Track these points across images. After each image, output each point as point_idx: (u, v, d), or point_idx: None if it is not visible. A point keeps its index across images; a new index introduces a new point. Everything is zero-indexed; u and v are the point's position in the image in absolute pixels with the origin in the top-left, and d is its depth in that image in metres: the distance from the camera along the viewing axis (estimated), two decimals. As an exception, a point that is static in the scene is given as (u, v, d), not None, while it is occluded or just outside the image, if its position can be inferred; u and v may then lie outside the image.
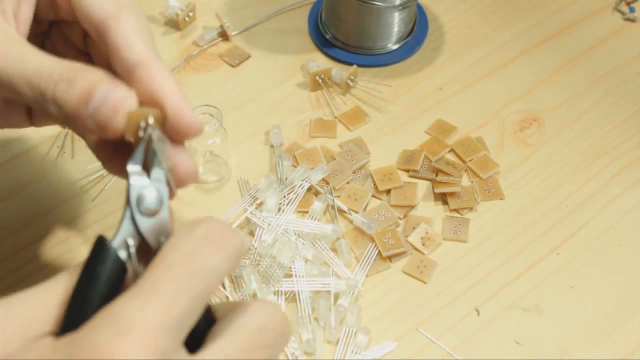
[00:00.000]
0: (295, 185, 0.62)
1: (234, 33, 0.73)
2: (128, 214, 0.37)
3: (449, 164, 0.64)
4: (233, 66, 0.71)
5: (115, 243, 0.37)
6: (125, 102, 0.40)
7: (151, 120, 0.39)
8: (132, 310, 0.34)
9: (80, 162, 0.64)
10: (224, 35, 0.73)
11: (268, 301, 0.42)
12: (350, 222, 0.61)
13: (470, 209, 0.62)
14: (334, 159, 0.64)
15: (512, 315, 0.57)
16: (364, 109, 0.68)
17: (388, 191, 0.63)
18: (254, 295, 0.57)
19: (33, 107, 0.47)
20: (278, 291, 0.57)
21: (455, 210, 0.62)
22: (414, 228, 0.61)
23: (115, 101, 0.39)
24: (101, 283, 0.36)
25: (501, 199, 0.63)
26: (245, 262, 0.58)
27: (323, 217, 0.61)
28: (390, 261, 0.60)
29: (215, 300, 0.57)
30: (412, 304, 0.58)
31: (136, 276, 0.37)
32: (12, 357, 0.34)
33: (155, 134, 0.39)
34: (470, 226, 0.61)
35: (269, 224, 0.60)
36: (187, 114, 0.41)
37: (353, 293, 0.57)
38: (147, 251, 0.38)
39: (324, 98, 0.69)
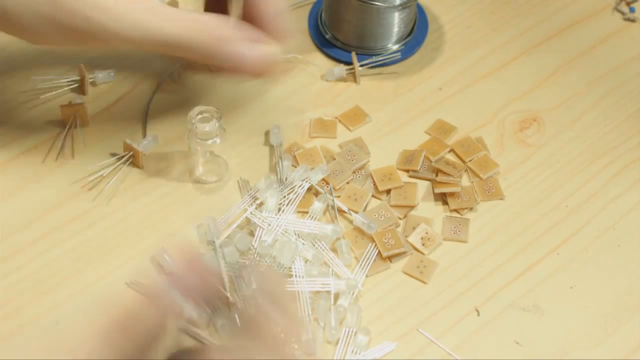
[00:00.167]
0: (295, 186, 0.62)
1: (234, 33, 0.73)
2: None
3: (449, 164, 0.64)
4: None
5: None
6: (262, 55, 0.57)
7: None
8: None
9: (80, 162, 0.64)
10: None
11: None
12: (350, 222, 0.61)
13: (470, 209, 0.62)
14: (334, 159, 0.64)
15: (512, 315, 0.57)
16: (364, 109, 0.68)
17: (388, 191, 0.63)
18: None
19: None
20: (278, 291, 0.57)
21: (455, 210, 0.62)
22: (414, 228, 0.61)
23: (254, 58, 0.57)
24: None
25: (501, 199, 0.63)
26: (245, 262, 0.58)
27: (323, 217, 0.61)
28: (390, 261, 0.60)
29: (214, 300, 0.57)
30: (412, 304, 0.58)
31: None
32: None
33: None
34: (470, 226, 0.61)
35: (269, 224, 0.60)
36: (283, 26, 0.59)
37: (353, 293, 0.57)
38: None
39: (324, 98, 0.69)
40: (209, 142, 0.61)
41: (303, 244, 0.59)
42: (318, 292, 0.57)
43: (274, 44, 0.57)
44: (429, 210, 0.62)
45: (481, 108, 0.69)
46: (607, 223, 0.62)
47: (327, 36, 0.73)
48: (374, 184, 0.63)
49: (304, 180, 0.62)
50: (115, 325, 0.41)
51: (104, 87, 0.68)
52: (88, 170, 0.63)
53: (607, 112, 0.69)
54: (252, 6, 0.58)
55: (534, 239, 0.61)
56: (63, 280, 0.58)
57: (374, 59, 0.70)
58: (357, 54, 0.70)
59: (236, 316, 0.55)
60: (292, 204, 0.61)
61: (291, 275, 0.58)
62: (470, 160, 0.64)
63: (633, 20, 0.75)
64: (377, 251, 0.59)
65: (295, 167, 0.64)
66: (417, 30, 0.73)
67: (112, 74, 0.69)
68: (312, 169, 0.63)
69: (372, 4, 0.68)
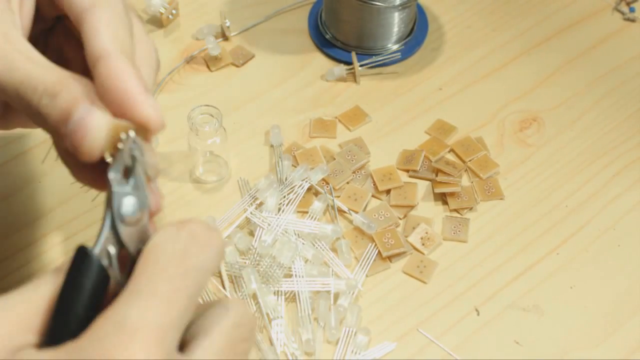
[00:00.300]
0: (295, 185, 0.62)
1: (233, 33, 0.73)
2: (108, 221, 0.37)
3: (449, 164, 0.64)
4: (237, 66, 0.71)
5: (97, 251, 0.36)
6: (98, 129, 0.39)
7: (132, 134, 0.39)
8: (135, 313, 0.34)
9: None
10: (223, 36, 0.73)
11: (237, 299, 0.42)
12: (350, 222, 0.61)
13: (470, 209, 0.62)
14: (334, 159, 0.64)
15: (512, 315, 0.57)
16: (364, 109, 0.68)
17: (388, 191, 0.63)
18: (254, 295, 0.57)
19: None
20: (278, 291, 0.57)
21: (455, 210, 0.62)
22: (413, 228, 0.61)
23: (87, 127, 0.39)
24: (85, 292, 0.35)
25: (501, 199, 0.63)
26: (245, 262, 0.58)
27: (323, 217, 0.61)
28: (390, 261, 0.60)
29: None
30: (412, 304, 0.58)
31: (118, 284, 0.37)
32: None
33: (136, 143, 0.39)
34: (470, 226, 0.61)
35: (269, 224, 0.60)
36: (143, 110, 0.40)
37: (353, 293, 0.57)
38: (125, 258, 0.38)
39: (324, 98, 0.69)
40: (209, 142, 0.61)
41: (303, 243, 0.59)
42: (318, 292, 0.57)
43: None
44: (429, 210, 0.62)
45: (481, 108, 0.69)
46: (607, 223, 0.62)
47: (327, 36, 0.73)
48: (374, 184, 0.63)
49: (304, 180, 0.62)
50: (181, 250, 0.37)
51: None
52: (88, 170, 0.63)
53: (607, 112, 0.69)
54: (108, 78, 0.40)
55: (534, 239, 0.61)
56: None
57: (374, 59, 0.70)
58: (357, 54, 0.70)
59: None
60: (292, 204, 0.61)
61: (291, 275, 0.58)
62: (470, 160, 0.64)
63: (633, 20, 0.75)
64: (377, 251, 0.59)
65: (295, 167, 0.64)
66: (417, 30, 0.73)
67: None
68: (312, 168, 0.63)
69: (372, 4, 0.68)
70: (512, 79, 0.71)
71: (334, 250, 0.60)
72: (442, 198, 0.63)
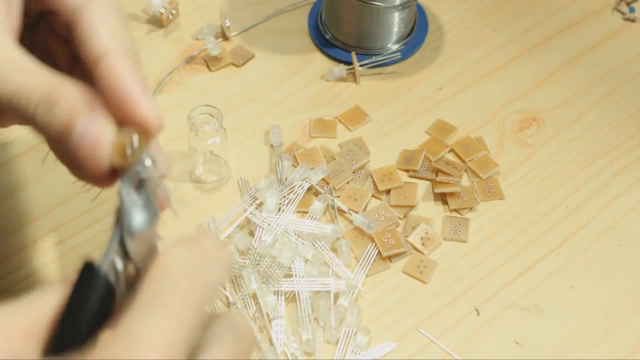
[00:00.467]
0: (295, 185, 0.62)
1: (233, 33, 0.73)
2: (117, 236, 0.36)
3: (449, 164, 0.64)
4: (237, 66, 0.71)
5: (104, 266, 0.36)
6: (104, 143, 0.39)
7: (136, 141, 0.38)
8: (144, 329, 0.34)
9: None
10: (223, 36, 0.73)
11: (237, 313, 0.42)
12: (350, 222, 0.61)
13: (470, 209, 0.62)
14: (334, 159, 0.64)
15: (512, 315, 0.57)
16: (364, 109, 0.68)
17: (388, 191, 0.63)
18: (254, 295, 0.57)
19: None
20: (278, 291, 0.57)
21: (455, 210, 0.62)
22: (413, 228, 0.61)
23: (92, 142, 0.39)
24: (90, 307, 0.35)
25: (501, 199, 0.63)
26: (245, 262, 0.58)
27: (323, 217, 0.61)
28: (390, 261, 0.60)
29: (215, 304, 0.57)
30: (412, 304, 0.58)
31: (123, 298, 0.36)
32: None
33: (145, 154, 0.38)
34: (470, 226, 0.61)
35: (269, 224, 0.60)
36: (144, 112, 0.39)
37: (353, 293, 0.57)
38: (130, 272, 0.37)
39: (324, 98, 0.69)
40: (209, 142, 0.61)
41: (303, 243, 0.59)
42: (318, 292, 0.57)
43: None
44: (429, 210, 0.62)
45: (481, 108, 0.69)
46: (607, 223, 0.62)
47: (327, 36, 0.73)
48: (374, 184, 0.63)
49: (304, 180, 0.62)
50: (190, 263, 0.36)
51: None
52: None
53: (607, 112, 0.69)
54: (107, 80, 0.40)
55: (534, 238, 0.61)
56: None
57: (374, 59, 0.70)
58: (357, 54, 0.70)
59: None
60: (292, 204, 0.61)
61: (291, 275, 0.58)
62: (470, 160, 0.64)
63: (633, 20, 0.75)
64: (377, 251, 0.59)
65: (295, 167, 0.64)
66: (417, 30, 0.73)
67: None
68: (312, 168, 0.63)
69: (372, 4, 0.68)
70: (512, 79, 0.71)
71: (334, 250, 0.60)
72: (442, 198, 0.63)
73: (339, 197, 0.62)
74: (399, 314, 0.57)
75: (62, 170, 0.63)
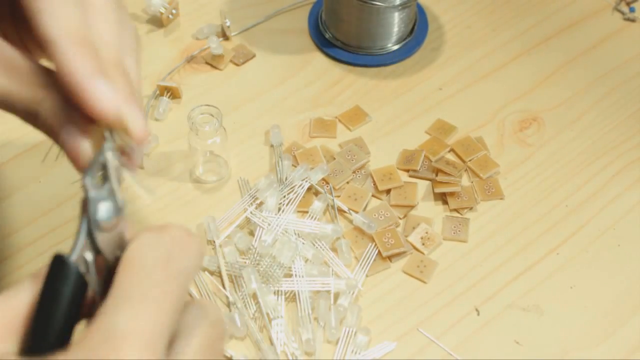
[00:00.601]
0: (296, 185, 0.62)
1: (233, 33, 0.73)
2: (84, 228, 0.37)
3: (449, 163, 0.64)
4: (237, 65, 0.71)
5: (74, 258, 0.36)
6: (83, 151, 0.40)
7: (107, 136, 0.39)
8: (123, 320, 0.34)
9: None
10: (223, 36, 0.73)
11: (208, 301, 0.42)
12: (350, 222, 0.61)
13: (470, 208, 0.62)
14: (334, 158, 0.64)
15: (512, 315, 0.57)
16: (364, 109, 0.68)
17: (388, 191, 0.63)
18: (254, 295, 0.57)
19: None
20: (278, 291, 0.57)
21: (455, 210, 0.62)
22: (414, 228, 0.61)
23: (74, 151, 0.40)
24: (64, 300, 0.35)
25: (501, 198, 0.63)
26: (246, 262, 0.58)
27: (323, 217, 0.61)
28: (390, 261, 0.60)
29: (214, 300, 0.57)
30: (412, 304, 0.58)
31: (95, 290, 0.36)
32: None
33: (109, 147, 0.39)
34: (470, 226, 0.61)
35: (269, 224, 0.60)
36: (92, 97, 0.39)
37: (353, 293, 0.57)
38: (101, 265, 0.37)
39: (324, 98, 0.69)
40: (209, 141, 0.61)
41: (303, 243, 0.59)
42: (318, 291, 0.57)
43: None
44: (429, 210, 0.62)
45: (481, 108, 0.69)
46: (607, 223, 0.62)
47: (327, 36, 0.73)
48: (374, 184, 0.63)
49: (304, 180, 0.62)
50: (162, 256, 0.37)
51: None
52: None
53: (607, 112, 0.69)
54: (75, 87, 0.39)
55: (534, 238, 0.61)
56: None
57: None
58: (356, 53, 0.70)
59: (236, 316, 0.55)
60: (292, 204, 0.61)
61: (291, 275, 0.58)
62: (470, 160, 0.64)
63: (633, 20, 0.75)
64: (377, 251, 0.59)
65: (295, 166, 0.64)
66: (417, 30, 0.73)
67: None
68: (312, 168, 0.63)
69: (372, 3, 0.68)
70: (512, 79, 0.71)
71: (334, 250, 0.60)
72: (442, 198, 0.63)
73: (339, 197, 0.62)
74: (399, 313, 0.57)
75: (62, 170, 0.64)
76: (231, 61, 0.71)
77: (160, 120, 0.67)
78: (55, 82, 0.40)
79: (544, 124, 0.68)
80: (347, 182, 0.63)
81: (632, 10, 0.76)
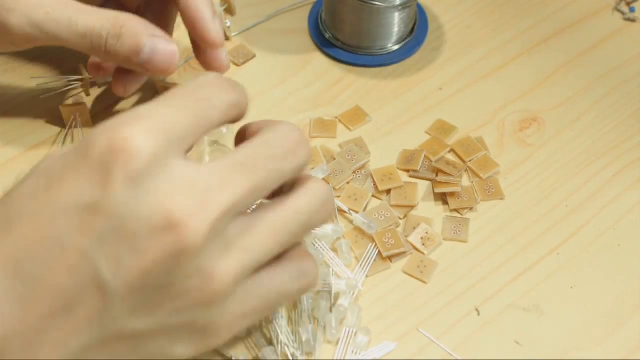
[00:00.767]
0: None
1: (234, 33, 0.73)
2: None
3: (449, 164, 0.64)
4: (238, 65, 0.71)
5: None
6: (173, 53, 0.54)
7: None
8: (145, 108, 0.41)
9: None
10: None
11: (290, 124, 0.46)
12: (351, 222, 0.61)
13: (471, 209, 0.62)
14: (334, 159, 0.64)
15: (512, 315, 0.57)
16: (364, 109, 0.68)
17: (388, 191, 0.63)
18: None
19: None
20: (278, 291, 0.57)
21: (456, 210, 0.62)
22: (414, 228, 0.61)
23: (165, 53, 0.54)
24: None
25: (501, 199, 0.63)
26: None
27: (323, 217, 0.61)
28: (391, 261, 0.60)
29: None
30: (413, 304, 0.58)
31: None
32: None
33: None
34: (471, 226, 0.61)
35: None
36: (209, 32, 0.57)
37: (353, 293, 0.57)
38: None
39: (324, 98, 0.69)
40: (215, 131, 0.61)
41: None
42: (318, 291, 0.57)
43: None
44: (429, 210, 0.62)
45: (481, 108, 0.69)
46: (607, 223, 0.62)
47: (327, 36, 0.73)
48: (374, 184, 0.63)
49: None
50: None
51: (105, 87, 0.68)
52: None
53: (607, 112, 0.69)
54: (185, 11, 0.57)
55: (534, 238, 0.61)
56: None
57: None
58: (357, 54, 0.70)
59: None
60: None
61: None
62: (470, 160, 0.65)
63: (633, 20, 0.75)
64: (377, 251, 0.59)
65: (295, 167, 0.64)
66: (418, 30, 0.73)
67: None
68: (313, 168, 0.63)
69: (372, 4, 0.68)
70: (512, 79, 0.71)
71: (334, 250, 0.60)
72: (443, 198, 0.63)
73: (339, 197, 0.62)
74: (399, 314, 0.57)
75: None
76: (231, 62, 0.71)
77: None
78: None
79: (544, 124, 0.68)
80: (348, 183, 0.63)
81: (632, 10, 0.76)
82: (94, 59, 0.64)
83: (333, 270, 0.58)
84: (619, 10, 0.76)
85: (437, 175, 0.63)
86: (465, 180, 0.64)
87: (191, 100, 0.42)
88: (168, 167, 0.39)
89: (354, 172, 0.64)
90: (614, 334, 0.56)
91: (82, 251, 0.38)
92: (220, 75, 0.45)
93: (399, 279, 0.59)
